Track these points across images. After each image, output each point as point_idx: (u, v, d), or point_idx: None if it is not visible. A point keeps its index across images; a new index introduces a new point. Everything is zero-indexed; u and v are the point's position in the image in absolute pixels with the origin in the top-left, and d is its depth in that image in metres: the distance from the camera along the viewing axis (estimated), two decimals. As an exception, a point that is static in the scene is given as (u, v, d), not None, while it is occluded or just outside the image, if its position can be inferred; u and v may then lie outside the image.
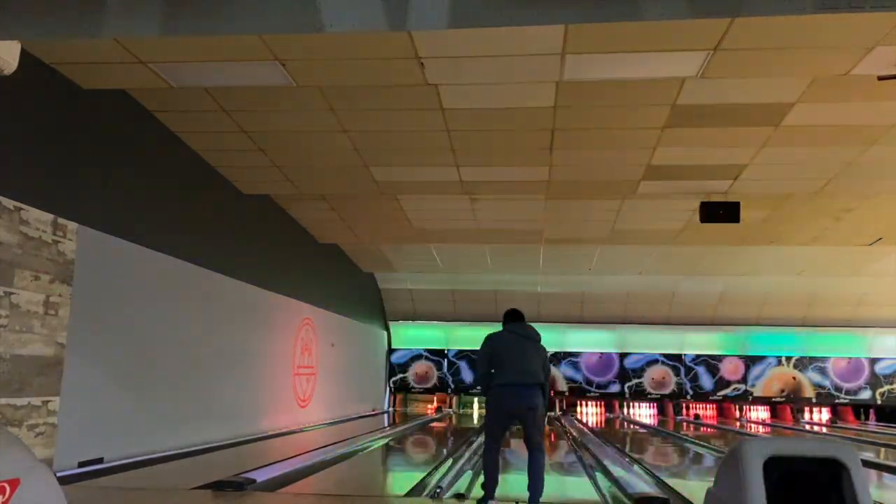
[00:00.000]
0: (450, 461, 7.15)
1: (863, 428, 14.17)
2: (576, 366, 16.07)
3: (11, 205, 4.65)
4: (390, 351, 16.34)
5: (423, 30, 4.08)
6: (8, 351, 4.58)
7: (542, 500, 4.41)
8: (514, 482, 6.93)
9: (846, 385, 15.59)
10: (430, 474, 6.17)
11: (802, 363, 15.68)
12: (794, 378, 15.69)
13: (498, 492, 4.62)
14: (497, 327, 4.88)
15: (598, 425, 13.88)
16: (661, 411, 16.13)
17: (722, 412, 16.09)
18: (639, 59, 4.85)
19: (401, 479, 6.87)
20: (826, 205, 8.57)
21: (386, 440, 9.76)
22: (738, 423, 14.80)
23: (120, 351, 5.84)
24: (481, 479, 4.71)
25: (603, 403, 16.28)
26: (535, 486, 4.39)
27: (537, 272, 13.44)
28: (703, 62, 4.83)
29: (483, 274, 13.86)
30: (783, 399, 15.76)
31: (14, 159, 4.75)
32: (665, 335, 15.85)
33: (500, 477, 4.69)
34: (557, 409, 15.90)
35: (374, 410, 14.50)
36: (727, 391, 15.78)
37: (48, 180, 5.09)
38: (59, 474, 4.72)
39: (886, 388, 15.46)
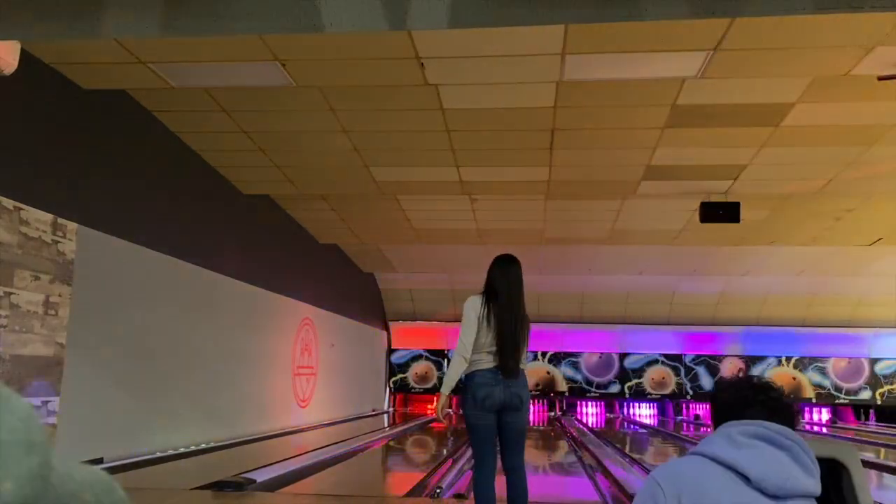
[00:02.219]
0: (450, 461, 7.15)
1: (863, 428, 14.17)
2: (576, 366, 16.08)
3: (11, 205, 4.65)
4: (390, 351, 16.34)
5: (423, 30, 4.09)
6: (8, 351, 4.58)
7: (542, 500, 4.40)
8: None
9: (846, 385, 15.59)
10: (430, 474, 6.17)
11: (802, 363, 15.69)
12: (794, 378, 15.70)
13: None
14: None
15: (598, 425, 13.88)
16: (662, 412, 16.14)
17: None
18: (639, 59, 4.85)
19: (401, 480, 6.87)
20: (826, 205, 8.57)
21: (386, 440, 9.75)
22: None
23: (120, 351, 5.84)
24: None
25: (603, 404, 16.29)
26: None
27: (537, 272, 13.44)
28: (703, 62, 4.83)
29: (483, 274, 13.84)
30: (783, 399, 15.75)
31: (14, 159, 4.75)
32: (665, 335, 15.86)
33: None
34: (558, 410, 15.92)
35: (373, 411, 14.50)
36: (727, 391, 15.76)
37: (48, 180, 5.09)
38: (58, 474, 4.70)
39: (886, 388, 15.47)
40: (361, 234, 10.96)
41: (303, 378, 10.36)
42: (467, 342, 3.67)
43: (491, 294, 3.82)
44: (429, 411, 15.88)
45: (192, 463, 6.29)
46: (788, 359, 15.73)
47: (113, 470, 5.38)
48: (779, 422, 1.64)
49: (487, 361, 3.65)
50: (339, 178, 7.88)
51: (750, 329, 15.58)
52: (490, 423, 3.63)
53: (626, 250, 11.48)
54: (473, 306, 3.76)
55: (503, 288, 3.83)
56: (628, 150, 6.79)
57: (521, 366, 3.72)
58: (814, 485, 1.55)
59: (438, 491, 5.26)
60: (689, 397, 15.90)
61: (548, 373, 16.04)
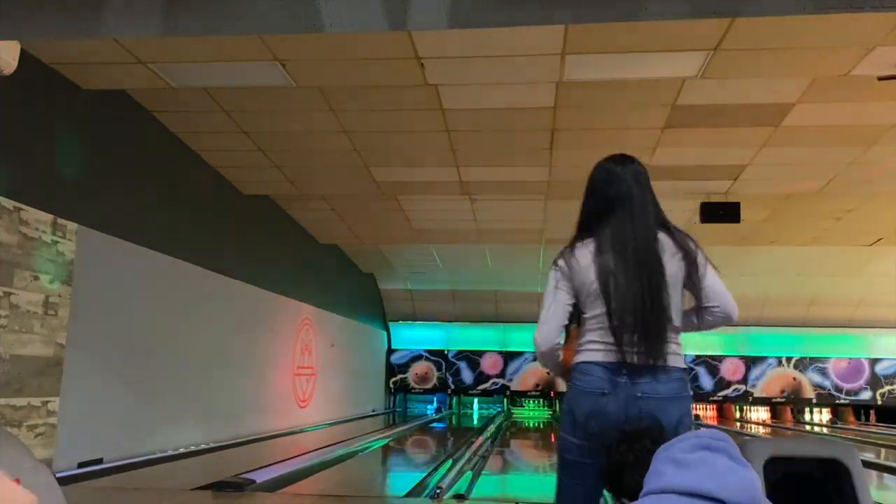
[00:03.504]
0: (450, 461, 7.15)
1: (863, 428, 14.17)
2: (576, 366, 16.06)
3: (11, 205, 4.65)
4: (390, 351, 16.34)
5: (423, 30, 4.09)
6: (8, 351, 4.58)
7: (542, 500, 4.37)
8: (514, 482, 6.94)
9: (846, 386, 15.59)
10: (430, 475, 6.17)
11: (802, 364, 15.68)
12: (794, 379, 15.70)
13: (498, 492, 4.53)
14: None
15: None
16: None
17: (722, 412, 16.10)
18: (639, 59, 4.85)
19: (401, 480, 6.87)
20: (826, 205, 8.57)
21: (386, 440, 9.76)
22: (738, 424, 14.80)
23: (120, 351, 5.84)
24: (481, 479, 4.65)
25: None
26: None
27: (537, 272, 13.44)
28: (703, 62, 4.83)
29: (483, 274, 13.86)
30: (783, 400, 15.77)
31: (14, 159, 4.75)
32: (665, 335, 15.83)
33: (501, 477, 4.56)
34: (558, 410, 15.92)
35: (373, 411, 14.50)
36: (727, 392, 15.79)
37: (48, 180, 5.09)
38: (58, 475, 4.72)
39: (887, 388, 15.46)
40: (361, 234, 10.96)
41: (303, 378, 10.36)
42: (546, 325, 2.19)
43: (588, 229, 2.23)
44: (429, 411, 15.89)
45: (192, 463, 6.29)
46: (789, 359, 15.72)
47: (113, 470, 5.39)
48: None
49: (599, 348, 2.12)
50: (339, 178, 7.88)
51: (750, 329, 15.57)
52: (598, 464, 2.01)
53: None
54: (557, 263, 2.24)
55: (615, 206, 2.22)
56: (628, 150, 6.74)
57: (672, 358, 2.12)
58: (754, 477, 1.54)
59: (438, 491, 5.26)
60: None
61: (548, 373, 16.04)
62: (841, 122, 5.99)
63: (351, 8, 3.01)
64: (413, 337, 16.36)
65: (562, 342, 2.25)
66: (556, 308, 2.19)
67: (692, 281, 2.18)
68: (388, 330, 16.33)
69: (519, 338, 15.83)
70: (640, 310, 2.07)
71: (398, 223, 10.01)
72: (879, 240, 10.18)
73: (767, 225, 9.45)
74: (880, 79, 4.91)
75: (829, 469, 2.36)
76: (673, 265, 2.14)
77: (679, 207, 8.75)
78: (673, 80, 5.19)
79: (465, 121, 6.07)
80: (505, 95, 5.55)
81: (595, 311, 2.13)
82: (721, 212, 7.75)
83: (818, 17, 4.02)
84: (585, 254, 2.18)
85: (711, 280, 2.24)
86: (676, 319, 2.15)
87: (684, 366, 2.14)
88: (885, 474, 7.29)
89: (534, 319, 2.24)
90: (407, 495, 5.28)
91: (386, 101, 5.71)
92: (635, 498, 1.55)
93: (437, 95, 5.53)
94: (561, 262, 2.21)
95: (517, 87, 5.39)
